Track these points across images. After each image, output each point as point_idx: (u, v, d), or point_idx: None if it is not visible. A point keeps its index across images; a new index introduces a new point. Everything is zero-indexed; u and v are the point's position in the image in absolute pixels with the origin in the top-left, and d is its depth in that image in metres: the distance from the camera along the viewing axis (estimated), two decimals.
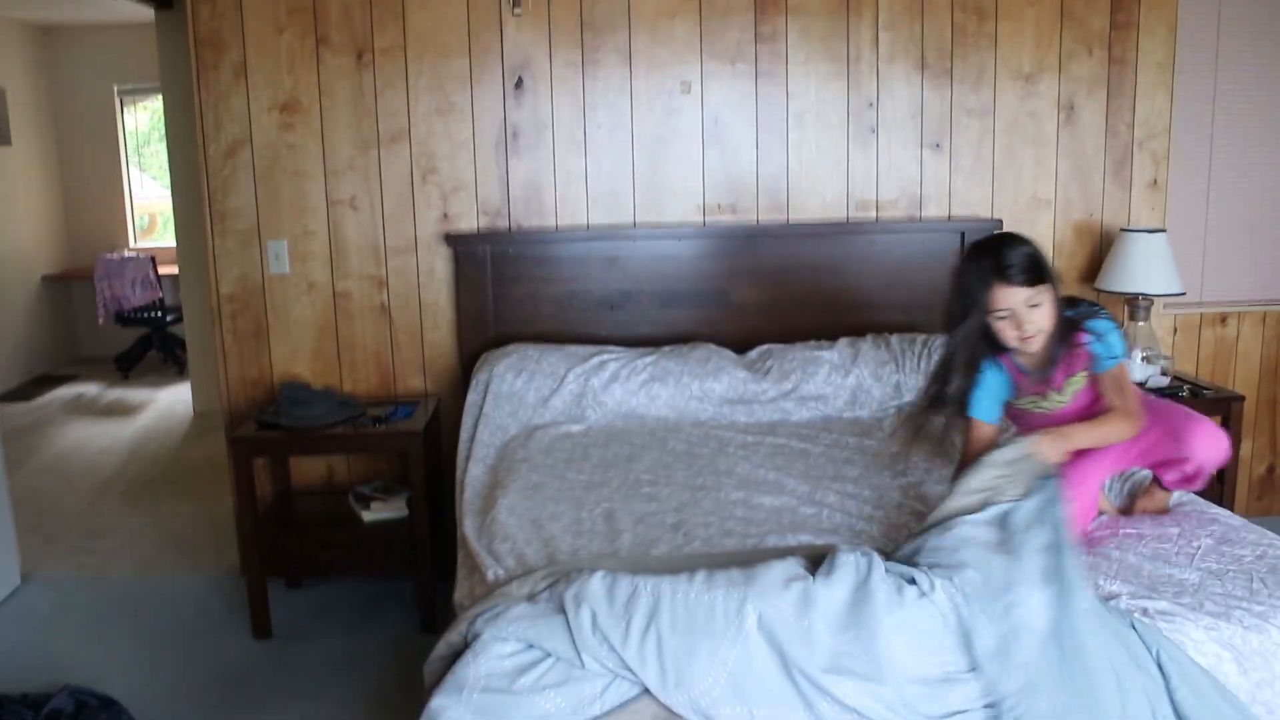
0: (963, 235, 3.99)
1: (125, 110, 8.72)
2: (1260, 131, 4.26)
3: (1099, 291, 4.03)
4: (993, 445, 2.51)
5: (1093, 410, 2.58)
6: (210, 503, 4.99)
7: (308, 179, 3.89)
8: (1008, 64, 4.04)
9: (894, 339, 3.79)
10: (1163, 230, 3.91)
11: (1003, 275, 2.40)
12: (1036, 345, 2.48)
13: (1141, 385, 3.89)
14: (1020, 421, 2.75)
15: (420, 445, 3.56)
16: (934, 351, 3.70)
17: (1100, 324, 2.54)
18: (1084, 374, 2.58)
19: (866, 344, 3.76)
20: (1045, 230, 4.14)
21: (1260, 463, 4.41)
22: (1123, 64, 4.08)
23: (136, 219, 8.89)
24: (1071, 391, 2.61)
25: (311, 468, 4.08)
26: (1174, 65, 4.11)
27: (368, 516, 3.70)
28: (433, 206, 3.94)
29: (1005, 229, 4.05)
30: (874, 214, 4.08)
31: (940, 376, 2.62)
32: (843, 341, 3.79)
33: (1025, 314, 2.42)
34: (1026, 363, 2.57)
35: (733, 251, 3.98)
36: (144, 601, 3.94)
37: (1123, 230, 3.96)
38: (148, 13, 6.21)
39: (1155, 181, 4.17)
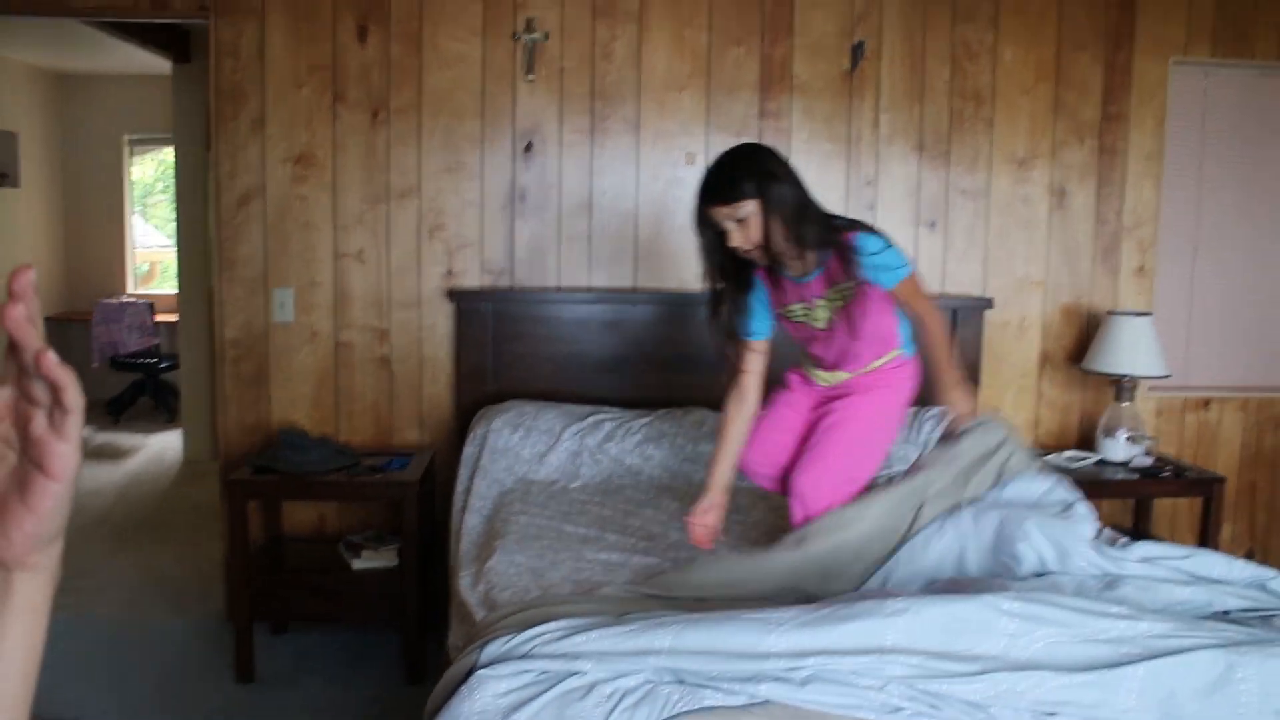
0: (955, 312, 4.09)
1: (133, 159, 8.83)
2: (1243, 222, 4.39)
3: (1087, 372, 4.12)
4: (760, 357, 2.74)
5: (867, 324, 2.63)
6: (197, 547, 4.99)
7: (317, 230, 3.97)
8: (1002, 149, 4.17)
9: None
10: (1149, 314, 4.01)
11: (703, 193, 2.53)
12: (758, 256, 2.55)
13: (1124, 465, 3.97)
14: (799, 334, 2.78)
15: (415, 495, 3.60)
16: (924, 423, 3.78)
17: (868, 240, 2.57)
18: (851, 285, 2.59)
19: None
20: (1035, 311, 4.24)
21: (1239, 547, 4.47)
22: (1113, 154, 4.22)
23: (136, 266, 8.97)
24: (834, 305, 2.64)
25: (304, 515, 4.11)
26: (1162, 156, 4.25)
27: (357, 564, 3.73)
28: (438, 263, 4.02)
29: (996, 308, 4.16)
30: None
31: (714, 296, 2.71)
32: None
33: (733, 228, 2.50)
34: (791, 271, 2.63)
35: None
36: (126, 643, 3.93)
37: (1110, 313, 4.06)
38: (163, 65, 6.34)
39: (1142, 268, 4.28)
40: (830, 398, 2.80)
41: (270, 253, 3.97)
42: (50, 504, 0.70)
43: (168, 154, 8.09)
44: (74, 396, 0.68)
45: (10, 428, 0.70)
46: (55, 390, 0.68)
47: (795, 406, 2.88)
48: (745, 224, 2.49)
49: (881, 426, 2.78)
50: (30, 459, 0.70)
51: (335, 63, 3.91)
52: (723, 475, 2.76)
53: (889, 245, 2.59)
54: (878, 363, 2.74)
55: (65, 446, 0.69)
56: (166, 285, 8.82)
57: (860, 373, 2.76)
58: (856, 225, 2.62)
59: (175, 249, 6.70)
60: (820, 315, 2.68)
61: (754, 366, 2.77)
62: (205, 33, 3.93)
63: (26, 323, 0.66)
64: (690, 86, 4.03)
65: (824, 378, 2.82)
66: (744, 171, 2.49)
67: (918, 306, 2.65)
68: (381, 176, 3.97)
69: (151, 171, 9.17)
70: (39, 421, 0.69)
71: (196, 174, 6.31)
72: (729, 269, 2.63)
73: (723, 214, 2.50)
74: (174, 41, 6.09)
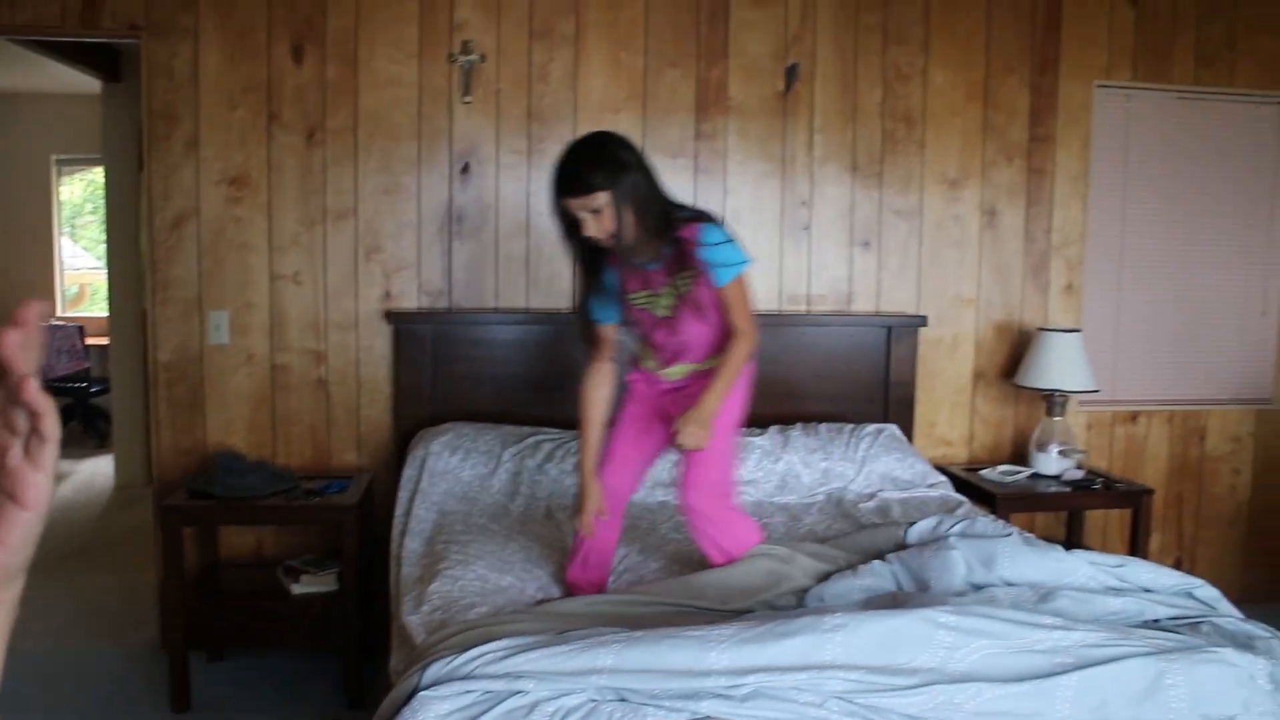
0: (889, 330, 4.16)
1: (61, 180, 8.67)
2: (1165, 240, 4.52)
3: (1019, 387, 4.21)
4: (610, 343, 2.77)
5: (707, 314, 2.66)
6: (130, 575, 4.90)
7: (252, 252, 3.94)
8: (933, 169, 4.25)
9: (822, 427, 3.92)
10: (1078, 331, 4.11)
11: (557, 185, 2.55)
12: (609, 244, 2.56)
13: (1056, 478, 4.05)
14: (642, 324, 2.79)
15: (354, 519, 3.58)
16: (861, 440, 3.83)
17: (710, 231, 2.60)
18: (691, 274, 2.62)
19: (796, 431, 3.88)
20: (968, 329, 4.33)
21: (1168, 556, 4.58)
22: (1041, 174, 4.32)
23: (65, 288, 8.80)
24: (677, 293, 2.67)
25: (241, 539, 4.06)
26: (1088, 176, 4.36)
27: (297, 589, 3.69)
28: (375, 284, 4.01)
29: (930, 325, 4.23)
30: (805, 307, 4.23)
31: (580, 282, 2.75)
32: (773, 429, 3.90)
33: (587, 219, 2.52)
34: (637, 258, 2.64)
35: None
36: (59, 675, 3.85)
37: (1040, 330, 4.15)
38: (93, 84, 6.25)
39: (1070, 285, 4.39)
40: (675, 394, 2.79)
41: (205, 274, 3.93)
42: (21, 535, 0.70)
43: (97, 174, 7.96)
44: (52, 425, 0.68)
45: None
46: (34, 418, 0.68)
47: (639, 421, 2.86)
48: (599, 214, 2.51)
49: (735, 426, 2.79)
50: (3, 489, 0.69)
51: (270, 83, 3.88)
52: (592, 461, 2.78)
53: (729, 240, 2.62)
54: (714, 361, 2.70)
55: (40, 476, 0.69)
56: (96, 308, 8.67)
57: (699, 368, 2.74)
58: (701, 216, 2.65)
59: (106, 271, 6.59)
60: (663, 303, 2.70)
61: (608, 350, 2.79)
62: (137, 52, 3.88)
63: (18, 349, 0.66)
64: (626, 109, 4.06)
65: (666, 372, 2.81)
66: (597, 162, 2.50)
67: (737, 315, 2.62)
68: (318, 198, 3.94)
69: (80, 192, 9.01)
70: (15, 452, 0.69)
71: (128, 195, 6.22)
72: (583, 255, 2.66)
73: (577, 205, 2.51)
74: (104, 60, 6.00)
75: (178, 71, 3.83)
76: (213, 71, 3.85)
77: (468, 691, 1.93)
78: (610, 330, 2.79)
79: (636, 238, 2.55)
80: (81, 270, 9.06)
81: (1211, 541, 4.67)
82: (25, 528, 0.70)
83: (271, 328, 3.98)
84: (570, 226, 2.59)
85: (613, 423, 2.85)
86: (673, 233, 2.59)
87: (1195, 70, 4.40)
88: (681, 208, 2.69)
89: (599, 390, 2.80)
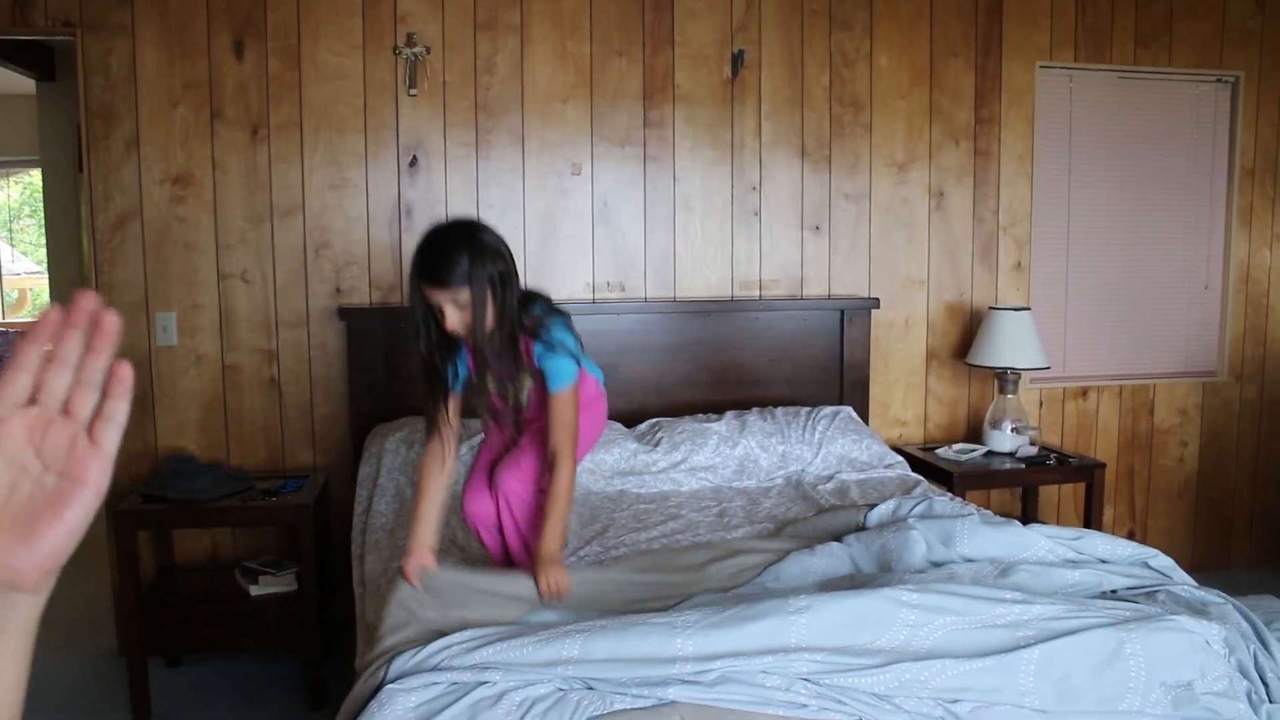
0: (842, 313, 4.18)
1: None
2: (1111, 218, 4.58)
3: (972, 366, 4.25)
4: (456, 407, 2.64)
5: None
6: (84, 582, 4.81)
7: (198, 252, 3.88)
8: (881, 153, 4.28)
9: (779, 411, 3.93)
10: (1027, 309, 4.15)
11: (422, 271, 2.45)
12: (464, 335, 2.50)
13: (1011, 455, 4.10)
14: (492, 408, 2.73)
15: (310, 518, 3.54)
16: (818, 423, 3.85)
17: (553, 336, 2.57)
18: (530, 375, 2.62)
19: (753, 416, 3.89)
20: (920, 309, 4.36)
21: (1121, 528, 4.65)
22: (987, 155, 4.37)
23: (5, 293, 8.63)
24: (525, 387, 2.66)
25: (196, 543, 4.01)
26: (1033, 156, 4.41)
27: (255, 591, 3.65)
28: (325, 281, 3.96)
29: (882, 308, 4.26)
30: (758, 293, 4.24)
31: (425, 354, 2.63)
32: (730, 414, 3.91)
33: (450, 311, 2.45)
34: (490, 349, 2.55)
35: (621, 328, 4.09)
36: None
37: (991, 309, 4.19)
38: (27, 83, 6.12)
39: (1019, 264, 4.44)
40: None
41: (150, 275, 3.86)
42: (83, 516, 0.71)
43: (35, 176, 7.81)
44: (123, 409, 0.73)
45: (30, 447, 0.72)
46: (107, 401, 0.72)
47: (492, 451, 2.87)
48: (462, 308, 2.44)
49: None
50: (66, 471, 0.71)
51: (211, 79, 3.82)
52: (421, 533, 2.58)
53: (563, 348, 2.57)
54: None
55: (106, 456, 0.72)
56: (38, 312, 8.51)
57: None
58: (542, 325, 2.59)
59: (47, 275, 6.47)
60: (512, 393, 2.66)
61: (451, 419, 2.65)
62: (72, 50, 3.80)
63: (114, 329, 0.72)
64: (574, 97, 4.04)
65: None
66: (468, 256, 2.41)
67: (558, 433, 2.56)
68: (264, 195, 3.89)
69: (17, 195, 8.83)
70: (79, 434, 0.72)
71: (67, 196, 6.10)
72: (438, 336, 2.56)
73: (443, 297, 2.43)
74: (38, 59, 5.87)
75: (115, 69, 3.76)
76: (151, 68, 3.78)
77: (434, 683, 1.92)
78: (457, 398, 2.67)
79: (491, 333, 2.48)
80: (21, 275, 8.89)
81: (1162, 513, 4.75)
82: (87, 508, 0.71)
83: (221, 327, 3.93)
84: (426, 310, 2.50)
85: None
86: (521, 335, 2.55)
87: (1135, 50, 4.46)
88: (534, 302, 2.63)
89: (437, 478, 2.63)
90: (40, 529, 0.70)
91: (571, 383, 2.59)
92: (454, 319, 2.46)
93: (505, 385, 2.64)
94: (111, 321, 0.71)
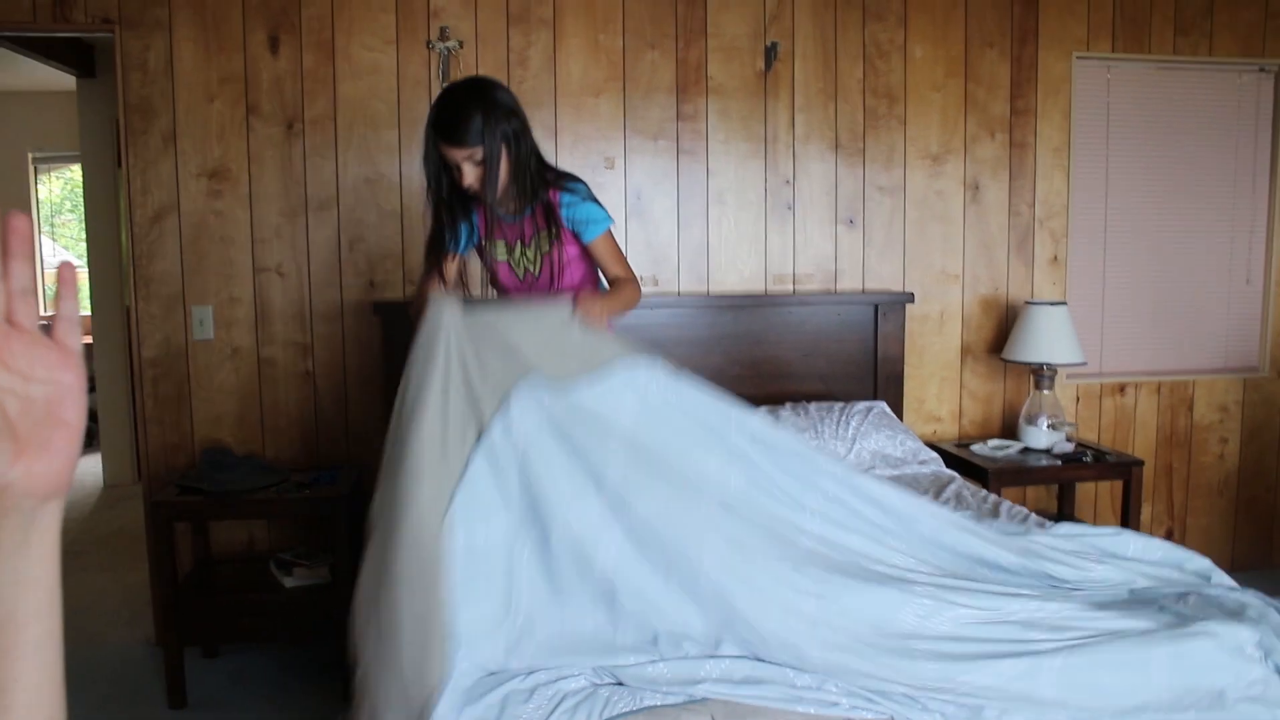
0: (876, 307, 4.15)
1: (39, 178, 8.60)
2: (1149, 211, 4.52)
3: (1007, 361, 4.22)
4: (453, 268, 2.71)
5: (566, 276, 2.69)
6: (122, 573, 4.88)
7: (234, 246, 3.91)
8: (916, 145, 4.24)
9: (812, 407, 3.91)
10: (1064, 303, 4.11)
11: (438, 131, 2.49)
12: (481, 193, 2.54)
13: (1047, 451, 4.06)
14: (504, 278, 2.79)
15: (344, 511, 3.56)
16: (851, 418, 3.83)
17: (575, 191, 2.64)
18: (554, 231, 2.65)
19: (786, 411, 3.88)
20: (955, 304, 4.33)
21: (1159, 526, 4.60)
22: (1023, 147, 4.32)
23: (45, 287, 8.73)
24: (540, 251, 2.68)
25: (232, 534, 4.04)
26: (1070, 148, 4.36)
27: (290, 582, 3.68)
28: (360, 274, 3.98)
29: (917, 302, 4.23)
30: (791, 287, 4.22)
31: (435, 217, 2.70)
32: (763, 410, 3.89)
33: (467, 169, 2.50)
34: (503, 210, 2.63)
35: (654, 322, 4.08)
36: None
37: (1027, 303, 4.15)
38: (68, 80, 6.19)
39: (1055, 258, 4.39)
40: None
41: (187, 269, 3.90)
42: (80, 411, 0.75)
43: (76, 172, 7.90)
44: (73, 304, 0.77)
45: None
46: (59, 294, 0.76)
47: None
48: (478, 165, 2.49)
49: None
50: (44, 378, 0.73)
51: (247, 74, 3.85)
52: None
53: (592, 199, 2.65)
54: None
55: (72, 353, 0.75)
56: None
57: None
58: (565, 177, 2.67)
59: (87, 268, 6.54)
60: (524, 259, 2.70)
61: (446, 275, 2.73)
62: (111, 46, 3.84)
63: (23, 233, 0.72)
64: (607, 91, 4.04)
65: None
66: (483, 114, 2.46)
67: (615, 266, 2.67)
68: (298, 189, 3.92)
69: (59, 190, 8.94)
70: (40, 339, 0.74)
71: (107, 191, 6.17)
72: (449, 197, 2.61)
73: (459, 155, 2.48)
74: (78, 56, 5.94)
75: (152, 65, 3.80)
76: (188, 64, 3.82)
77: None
78: (455, 259, 2.74)
79: (508, 191, 2.55)
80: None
81: (1201, 511, 4.69)
82: (79, 403, 0.75)
83: (256, 321, 3.96)
84: (439, 170, 2.55)
85: None
86: (543, 191, 2.60)
87: (1174, 40, 4.40)
88: (551, 168, 2.69)
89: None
90: (52, 436, 0.73)
91: (607, 225, 2.64)
92: (470, 175, 2.50)
93: (512, 248, 2.68)
94: (20, 220, 0.71)
